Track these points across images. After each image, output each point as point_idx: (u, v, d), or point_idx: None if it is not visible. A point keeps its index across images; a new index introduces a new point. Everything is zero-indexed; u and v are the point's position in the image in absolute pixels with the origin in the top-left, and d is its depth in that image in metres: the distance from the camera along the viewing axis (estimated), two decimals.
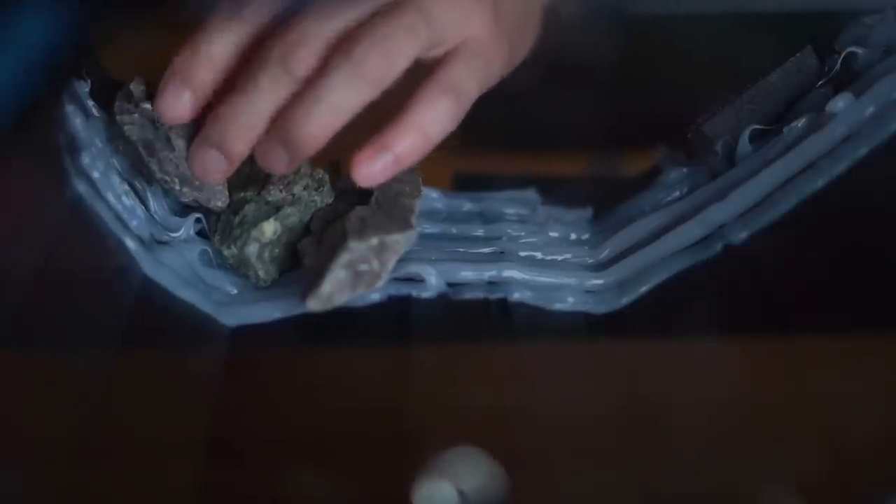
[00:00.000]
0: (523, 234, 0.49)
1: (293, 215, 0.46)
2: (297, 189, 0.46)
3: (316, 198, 0.47)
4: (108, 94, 0.47)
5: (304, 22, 0.42)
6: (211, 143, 0.43)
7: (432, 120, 0.43)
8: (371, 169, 0.42)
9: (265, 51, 0.42)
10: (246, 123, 0.42)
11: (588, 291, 0.47)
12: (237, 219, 0.46)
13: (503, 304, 0.46)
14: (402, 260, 0.45)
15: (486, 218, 0.50)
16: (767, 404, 0.42)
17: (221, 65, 0.43)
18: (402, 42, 0.42)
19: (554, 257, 0.49)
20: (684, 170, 0.50)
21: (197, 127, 0.44)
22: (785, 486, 0.39)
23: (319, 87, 0.41)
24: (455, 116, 0.43)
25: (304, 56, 0.42)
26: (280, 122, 0.42)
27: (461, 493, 0.38)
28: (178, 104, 0.43)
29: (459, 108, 0.43)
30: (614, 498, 0.39)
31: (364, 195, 0.46)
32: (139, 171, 0.46)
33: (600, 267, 0.48)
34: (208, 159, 0.43)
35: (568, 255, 0.49)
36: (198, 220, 0.47)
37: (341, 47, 0.42)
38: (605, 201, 0.51)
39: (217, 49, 0.43)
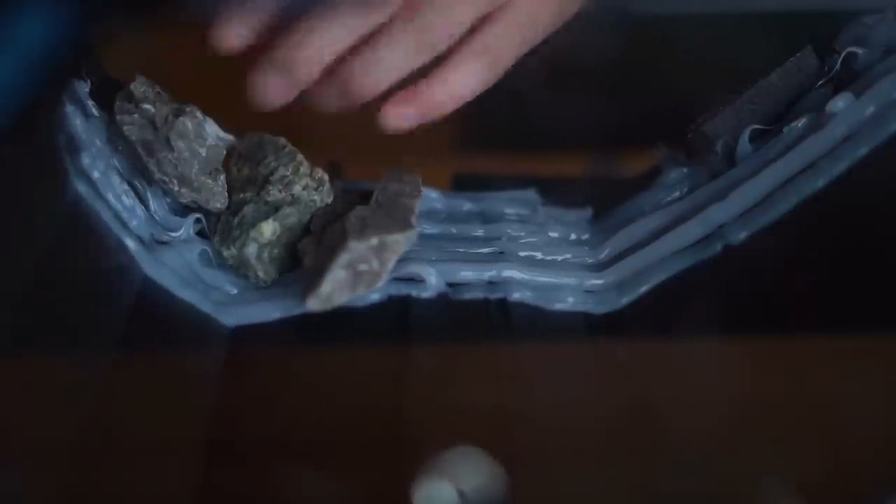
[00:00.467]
0: (523, 234, 0.49)
1: (292, 215, 0.46)
2: (297, 189, 0.46)
3: (315, 198, 0.47)
4: (107, 94, 0.47)
5: None
6: (276, 68, 0.44)
7: (463, 81, 0.45)
8: (396, 112, 0.44)
9: None
10: (313, 53, 0.44)
11: (588, 291, 0.47)
12: (236, 220, 0.46)
13: (503, 304, 0.46)
14: (402, 260, 0.45)
15: (485, 218, 0.50)
16: (767, 404, 0.42)
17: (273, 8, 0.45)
18: (461, 8, 0.44)
19: (554, 257, 0.49)
20: (684, 170, 0.50)
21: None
22: (785, 486, 0.39)
23: (379, 45, 0.43)
24: (486, 80, 0.45)
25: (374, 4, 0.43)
26: (338, 70, 0.44)
27: (461, 493, 0.38)
28: (234, 33, 0.45)
29: (492, 72, 0.45)
30: (614, 498, 0.39)
31: (364, 195, 0.47)
32: (139, 170, 0.46)
33: (600, 267, 0.48)
34: (271, 83, 0.44)
35: (568, 256, 0.49)
36: (198, 220, 0.47)
37: (405, 8, 0.44)
38: (605, 201, 0.51)
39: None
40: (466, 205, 0.51)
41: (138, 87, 0.45)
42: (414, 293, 0.46)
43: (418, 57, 0.44)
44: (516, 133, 0.57)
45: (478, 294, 0.47)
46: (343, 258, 0.42)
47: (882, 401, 0.42)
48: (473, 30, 0.45)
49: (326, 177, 0.47)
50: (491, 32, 0.45)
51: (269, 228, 0.45)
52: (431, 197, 0.51)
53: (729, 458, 0.40)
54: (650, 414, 0.42)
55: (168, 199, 0.47)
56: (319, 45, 0.44)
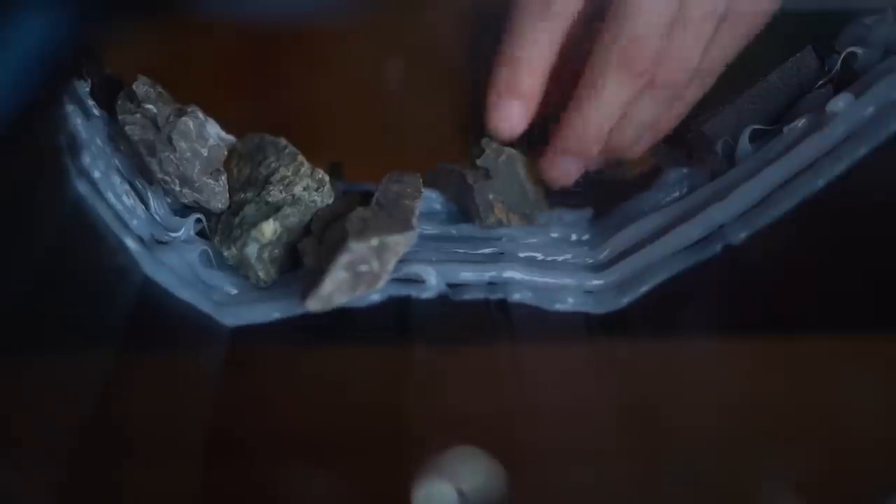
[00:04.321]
0: (523, 234, 0.49)
1: (293, 216, 0.46)
2: (298, 189, 0.46)
3: (316, 198, 0.47)
4: (108, 94, 0.47)
5: (630, 22, 0.44)
6: (570, 152, 0.48)
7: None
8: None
9: (601, 52, 0.45)
10: (600, 129, 0.47)
11: (588, 292, 0.47)
12: (237, 219, 0.46)
13: (503, 304, 0.46)
14: (403, 261, 0.45)
15: None
16: (767, 404, 0.42)
17: (544, 68, 0.46)
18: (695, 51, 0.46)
19: (554, 258, 0.49)
20: (684, 170, 0.50)
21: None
22: (785, 486, 0.39)
23: (636, 111, 0.47)
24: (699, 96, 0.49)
25: (643, 57, 0.45)
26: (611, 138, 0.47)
27: (461, 493, 0.38)
28: (513, 117, 0.47)
29: (704, 89, 0.48)
30: (614, 498, 0.39)
31: (365, 196, 0.47)
32: (140, 170, 0.46)
33: (600, 267, 0.48)
34: (570, 167, 0.48)
35: (568, 256, 0.49)
36: (198, 221, 0.47)
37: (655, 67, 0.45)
38: (605, 202, 0.51)
39: (535, 53, 0.46)
40: None
41: (140, 86, 0.46)
42: (414, 294, 0.46)
43: (666, 110, 0.48)
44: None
45: (478, 295, 0.47)
46: (343, 259, 0.42)
47: (882, 401, 0.42)
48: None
49: (327, 177, 0.47)
50: (713, 50, 0.47)
51: (269, 228, 0.45)
52: (431, 198, 0.51)
53: (729, 458, 0.40)
54: (650, 414, 0.42)
55: (169, 199, 0.47)
56: (601, 123, 0.47)
